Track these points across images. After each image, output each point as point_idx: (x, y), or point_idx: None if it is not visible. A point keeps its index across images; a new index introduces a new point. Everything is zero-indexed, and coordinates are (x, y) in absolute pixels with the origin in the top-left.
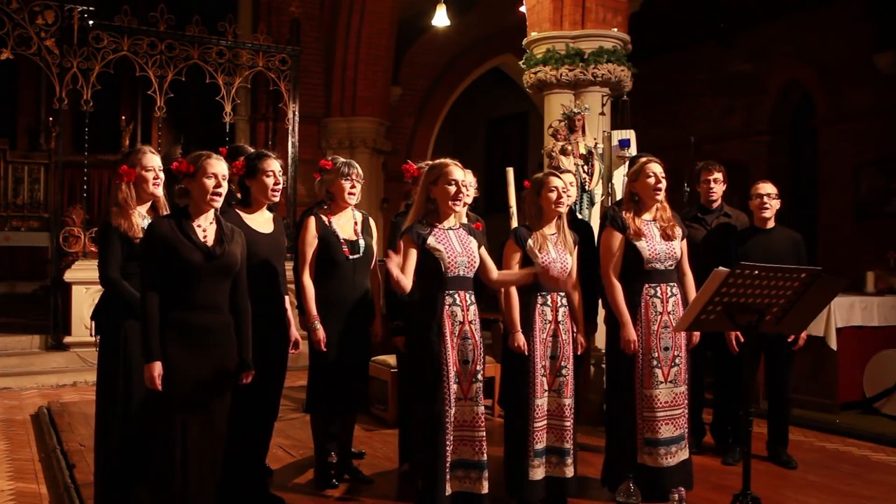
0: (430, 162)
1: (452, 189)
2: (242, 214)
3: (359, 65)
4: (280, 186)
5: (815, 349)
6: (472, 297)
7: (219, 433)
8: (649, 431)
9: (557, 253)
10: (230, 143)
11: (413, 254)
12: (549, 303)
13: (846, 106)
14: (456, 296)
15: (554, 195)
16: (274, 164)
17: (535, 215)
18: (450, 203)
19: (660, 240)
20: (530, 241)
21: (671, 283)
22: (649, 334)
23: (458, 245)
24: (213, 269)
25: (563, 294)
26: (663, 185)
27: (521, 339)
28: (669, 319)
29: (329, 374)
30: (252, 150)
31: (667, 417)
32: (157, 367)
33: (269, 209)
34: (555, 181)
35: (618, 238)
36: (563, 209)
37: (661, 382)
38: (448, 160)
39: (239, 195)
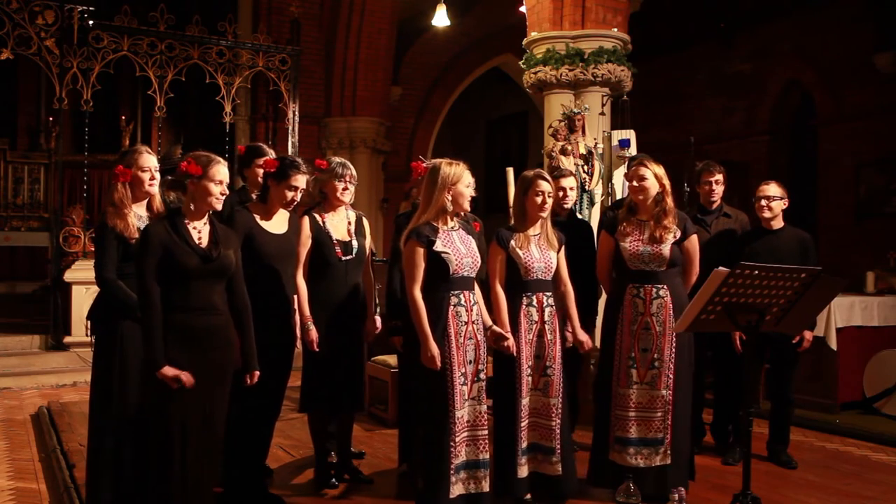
0: (439, 161)
1: (469, 192)
2: (256, 213)
3: (359, 65)
4: (296, 201)
5: (815, 349)
6: (475, 297)
7: (218, 434)
8: (620, 430)
9: (541, 251)
10: (230, 143)
11: (422, 258)
12: (534, 303)
13: (846, 106)
14: (461, 296)
15: (539, 199)
16: (301, 181)
17: (519, 216)
18: (465, 205)
19: (647, 241)
20: (512, 242)
21: (658, 286)
22: (628, 334)
23: (462, 246)
24: (208, 271)
25: (548, 294)
26: (643, 185)
27: (511, 341)
28: (651, 321)
29: (321, 374)
30: (272, 151)
31: (639, 418)
32: (170, 370)
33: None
34: (543, 185)
35: (606, 238)
36: (546, 214)
37: (636, 383)
38: (462, 162)
39: (254, 196)
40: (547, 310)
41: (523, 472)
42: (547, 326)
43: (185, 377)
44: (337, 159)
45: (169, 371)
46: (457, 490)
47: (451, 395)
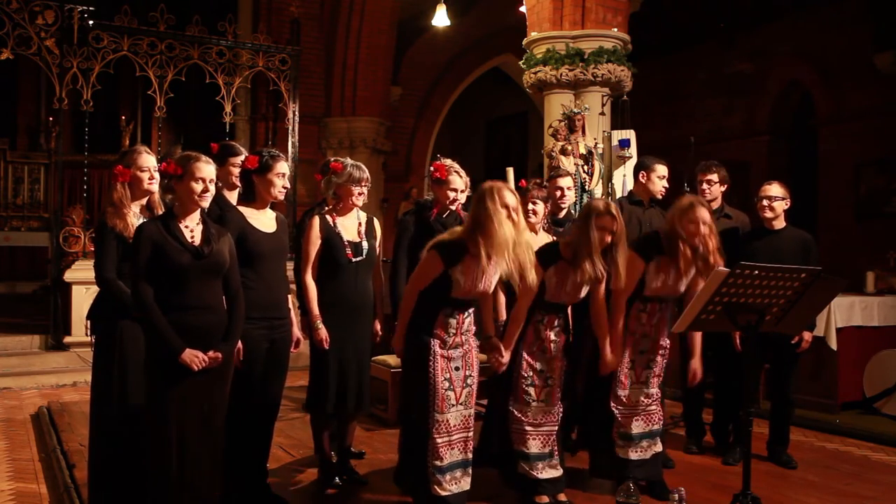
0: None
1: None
2: (245, 212)
3: (359, 65)
4: (287, 188)
5: (815, 349)
6: (471, 310)
7: (217, 434)
8: (623, 427)
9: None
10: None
11: (435, 271)
12: (544, 321)
13: (846, 106)
14: (454, 312)
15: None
16: (285, 167)
17: (579, 248)
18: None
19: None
20: (552, 268)
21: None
22: (630, 342)
23: (480, 277)
24: (201, 268)
25: (562, 316)
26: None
27: (504, 363)
28: (649, 330)
29: (330, 375)
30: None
31: (638, 414)
32: (190, 353)
33: (272, 207)
34: (606, 220)
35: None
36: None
37: (633, 383)
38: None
39: (225, 193)
40: (555, 330)
41: (531, 472)
42: (553, 346)
43: (211, 354)
44: (351, 162)
45: (188, 355)
46: (446, 490)
47: (431, 402)
